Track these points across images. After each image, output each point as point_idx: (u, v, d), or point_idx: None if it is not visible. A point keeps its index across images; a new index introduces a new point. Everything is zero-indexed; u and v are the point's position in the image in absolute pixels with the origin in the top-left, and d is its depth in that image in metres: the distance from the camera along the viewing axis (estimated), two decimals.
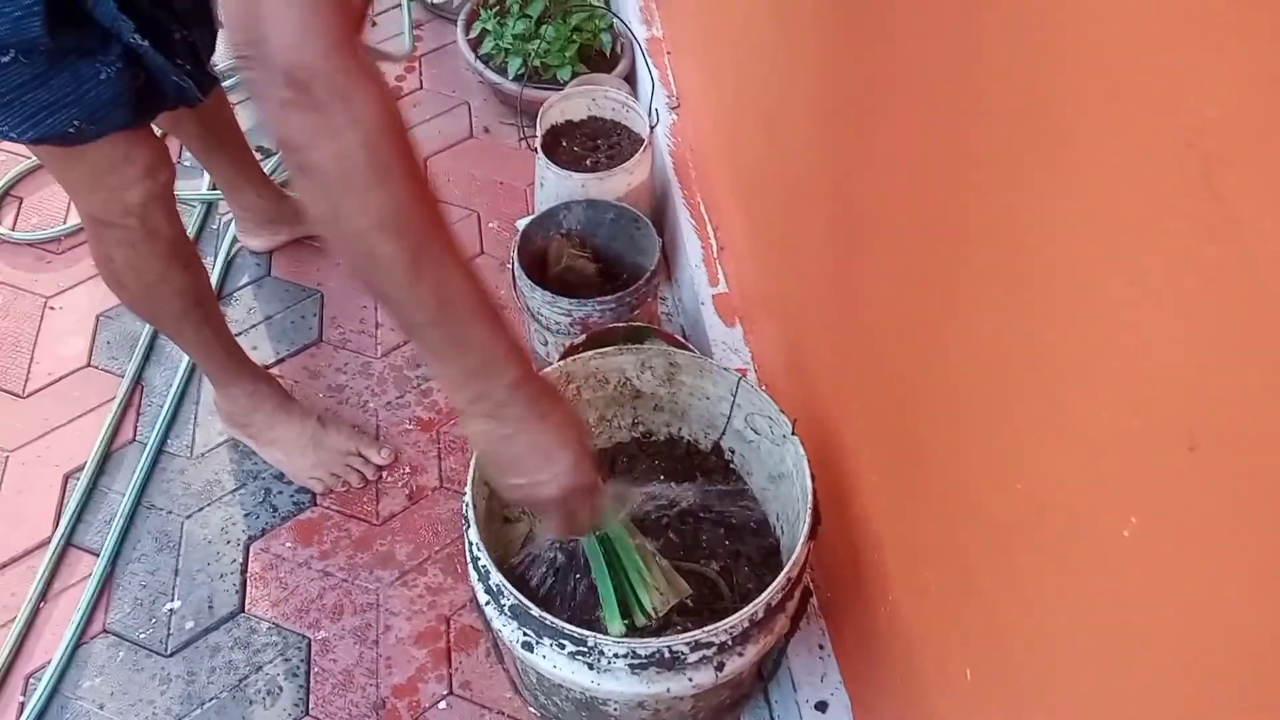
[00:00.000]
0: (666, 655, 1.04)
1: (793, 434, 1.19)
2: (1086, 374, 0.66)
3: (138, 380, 1.80)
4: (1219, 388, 0.53)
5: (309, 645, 1.50)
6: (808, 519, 1.11)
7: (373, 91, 0.74)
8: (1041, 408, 0.72)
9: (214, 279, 1.92)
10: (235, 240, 2.00)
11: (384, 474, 1.68)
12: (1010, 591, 0.82)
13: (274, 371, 1.80)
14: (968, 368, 0.85)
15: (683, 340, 1.56)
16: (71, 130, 1.14)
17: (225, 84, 2.10)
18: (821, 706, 1.27)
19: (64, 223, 2.05)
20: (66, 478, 1.68)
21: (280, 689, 1.45)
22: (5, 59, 1.06)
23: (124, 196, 1.27)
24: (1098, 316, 0.63)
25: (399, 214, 0.77)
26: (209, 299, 1.52)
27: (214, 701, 1.44)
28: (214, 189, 2.09)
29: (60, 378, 1.82)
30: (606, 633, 1.11)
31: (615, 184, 1.78)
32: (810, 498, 1.12)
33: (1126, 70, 0.57)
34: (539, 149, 1.83)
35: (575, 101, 1.95)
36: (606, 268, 1.75)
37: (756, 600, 1.05)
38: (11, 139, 1.14)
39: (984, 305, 0.80)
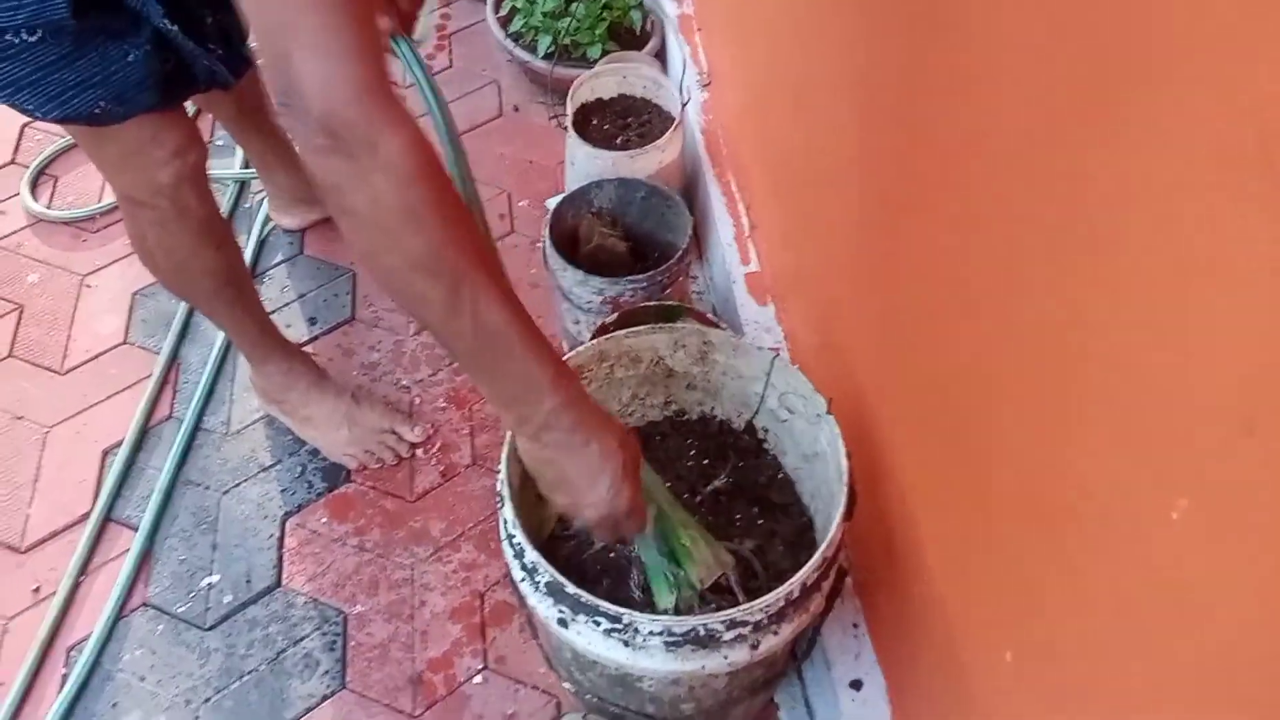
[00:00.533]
0: (702, 633, 1.04)
1: (828, 413, 1.18)
2: (1140, 354, 0.65)
3: (174, 357, 1.82)
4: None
5: (345, 619, 1.51)
6: (843, 499, 1.10)
7: (401, 139, 0.76)
8: (1091, 388, 0.72)
9: (247, 257, 1.94)
10: (268, 218, 2.01)
11: (418, 451, 1.69)
12: (1055, 573, 0.81)
13: (308, 349, 1.82)
14: (1011, 345, 0.84)
15: (714, 319, 1.56)
16: (98, 111, 1.15)
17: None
18: (856, 685, 1.27)
19: (99, 201, 2.07)
20: (105, 453, 1.70)
21: (317, 662, 1.47)
22: (33, 39, 1.07)
23: (154, 176, 1.27)
24: (1151, 294, 0.62)
25: (432, 256, 0.80)
26: (242, 278, 1.53)
27: (253, 674, 1.47)
28: (247, 167, 2.10)
29: (97, 355, 1.84)
30: (643, 608, 1.11)
31: (646, 162, 1.78)
32: (846, 477, 1.12)
33: (1182, 44, 0.56)
34: (569, 127, 1.83)
35: (605, 79, 1.94)
36: (637, 246, 1.75)
37: (792, 579, 1.05)
38: (38, 117, 1.15)
39: (1029, 283, 0.79)
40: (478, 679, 1.45)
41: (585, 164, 1.80)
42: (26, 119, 2.19)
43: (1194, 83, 0.55)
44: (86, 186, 2.11)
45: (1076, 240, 0.71)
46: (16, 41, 1.07)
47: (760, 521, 1.29)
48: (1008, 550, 0.90)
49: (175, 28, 1.15)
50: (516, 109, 2.24)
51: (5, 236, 2.03)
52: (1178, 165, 0.58)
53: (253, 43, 0.74)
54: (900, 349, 1.13)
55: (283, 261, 1.97)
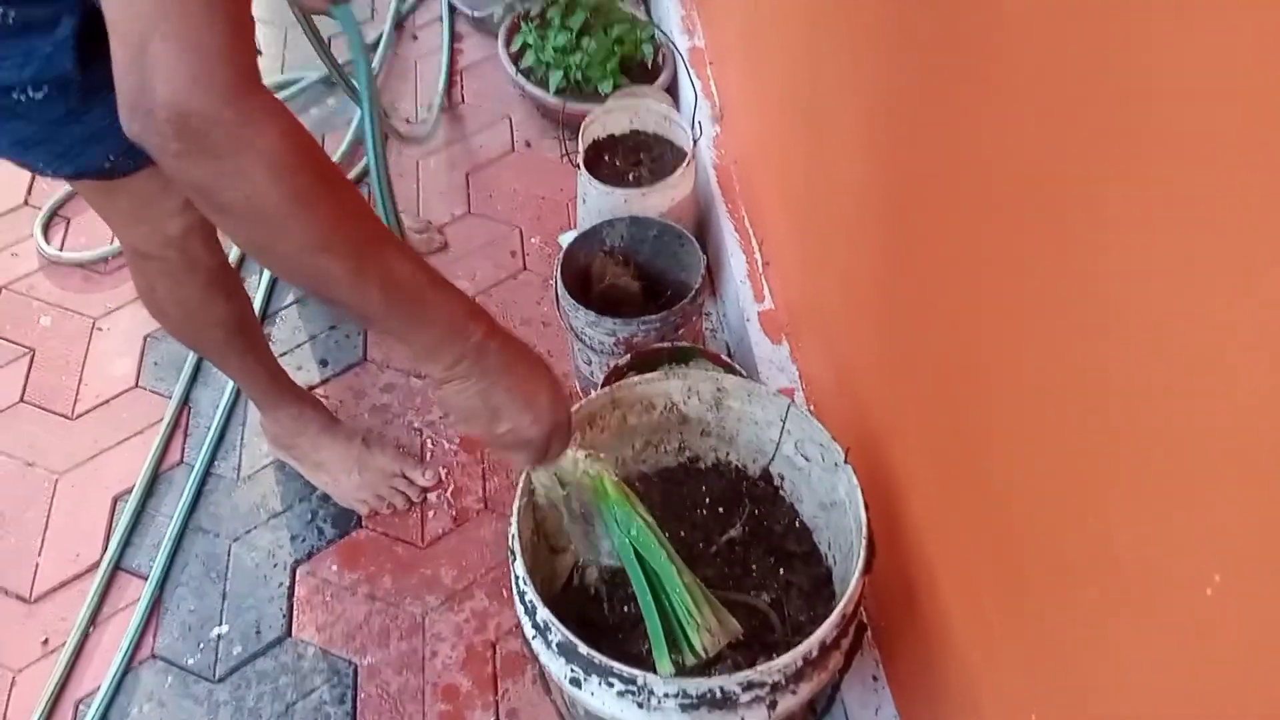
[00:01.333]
0: (718, 695, 1.01)
1: (845, 462, 1.15)
2: (1169, 408, 0.62)
3: (185, 401, 1.81)
4: None
5: (356, 671, 1.49)
6: (862, 552, 1.07)
7: (275, 129, 0.73)
8: (1122, 452, 0.69)
9: (258, 298, 1.93)
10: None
11: (429, 495, 1.67)
12: (1081, 636, 0.78)
13: (318, 391, 1.80)
14: (1034, 393, 0.81)
15: (729, 360, 1.53)
16: (108, 164, 1.14)
17: None
18: None
19: (111, 243, 2.06)
20: (115, 500, 1.69)
21: (328, 716, 1.45)
22: (39, 95, 1.05)
23: (163, 228, 1.26)
24: (1184, 343, 0.59)
25: (327, 235, 0.78)
26: (252, 327, 1.52)
27: None
28: None
29: (108, 399, 1.83)
30: (655, 669, 1.08)
31: (658, 200, 1.76)
32: (865, 530, 1.09)
33: (1220, 68, 0.53)
34: (581, 165, 1.81)
35: (617, 115, 1.93)
36: (650, 285, 1.73)
37: (810, 639, 1.02)
38: (49, 175, 1.14)
39: (1053, 329, 0.76)
40: None
41: (597, 201, 1.78)
42: None
43: (1230, 115, 0.53)
44: (99, 229, 2.11)
45: (1101, 285, 0.68)
46: (23, 99, 1.06)
47: (777, 572, 1.26)
48: (1033, 612, 0.87)
49: None
50: (529, 145, 2.24)
51: (18, 279, 2.03)
52: (1213, 205, 0.55)
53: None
54: (919, 392, 1.10)
55: (294, 303, 1.96)
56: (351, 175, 2.16)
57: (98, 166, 1.14)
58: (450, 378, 0.91)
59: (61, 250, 2.06)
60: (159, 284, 1.35)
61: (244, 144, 0.71)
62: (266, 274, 1.98)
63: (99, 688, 1.47)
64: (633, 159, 1.91)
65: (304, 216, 0.76)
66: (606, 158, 1.91)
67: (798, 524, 1.31)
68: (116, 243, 2.05)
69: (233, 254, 2.00)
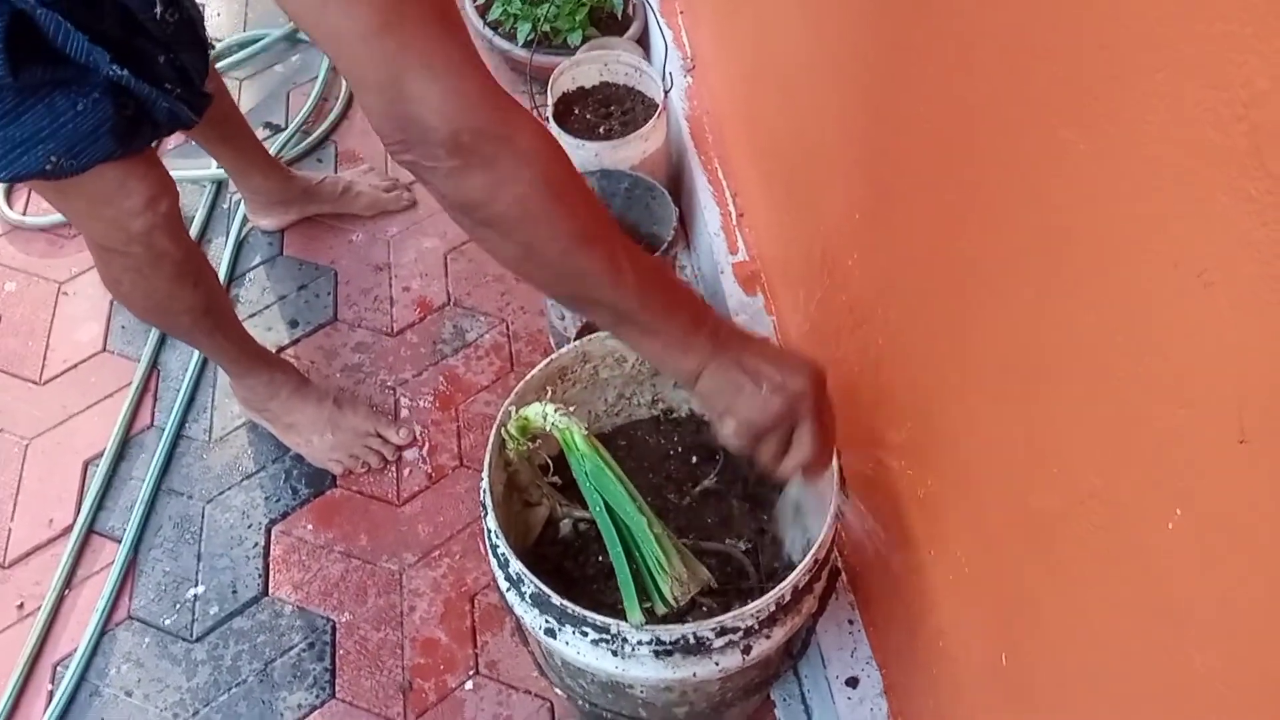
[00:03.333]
0: (692, 641, 1.02)
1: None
2: (1129, 360, 0.62)
3: (154, 365, 1.79)
4: (1273, 378, 0.50)
5: (334, 628, 1.49)
6: (834, 499, 1.08)
7: (529, 126, 0.76)
8: (1081, 393, 0.69)
9: (225, 260, 1.91)
10: (246, 220, 1.98)
11: (404, 453, 1.66)
12: (1048, 578, 0.79)
13: (289, 352, 1.79)
14: (1002, 346, 0.81)
15: None
16: (49, 166, 1.10)
17: (220, 65, 2.08)
18: (852, 682, 1.25)
19: None
20: (86, 464, 1.68)
21: (306, 672, 1.45)
22: None
23: (126, 226, 1.23)
24: (1141, 300, 0.59)
25: (585, 227, 0.80)
26: (220, 306, 1.50)
27: (241, 686, 1.44)
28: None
29: (76, 364, 1.81)
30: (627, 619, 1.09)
31: (630, 152, 1.74)
32: (836, 477, 1.09)
33: (1171, 38, 0.53)
34: (550, 118, 1.79)
35: (587, 67, 1.90)
36: None
37: (783, 583, 1.02)
38: None
39: (1019, 279, 0.76)
40: (469, 685, 1.43)
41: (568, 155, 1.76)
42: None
43: (1183, 81, 0.52)
44: None
45: (1064, 241, 0.68)
46: None
47: (751, 520, 1.27)
48: (1001, 555, 0.87)
49: (125, 72, 1.08)
50: None
51: None
52: (1167, 168, 0.55)
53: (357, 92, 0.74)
54: (892, 341, 1.10)
55: (262, 263, 1.93)
56: (317, 133, 2.12)
57: (38, 169, 1.10)
58: (705, 361, 0.89)
59: (24, 215, 2.02)
60: (124, 278, 1.32)
61: (509, 145, 0.74)
62: (234, 233, 1.95)
63: (76, 650, 1.47)
64: (603, 111, 1.89)
65: (565, 210, 0.78)
66: (576, 111, 1.89)
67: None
68: None
69: (200, 208, 1.98)
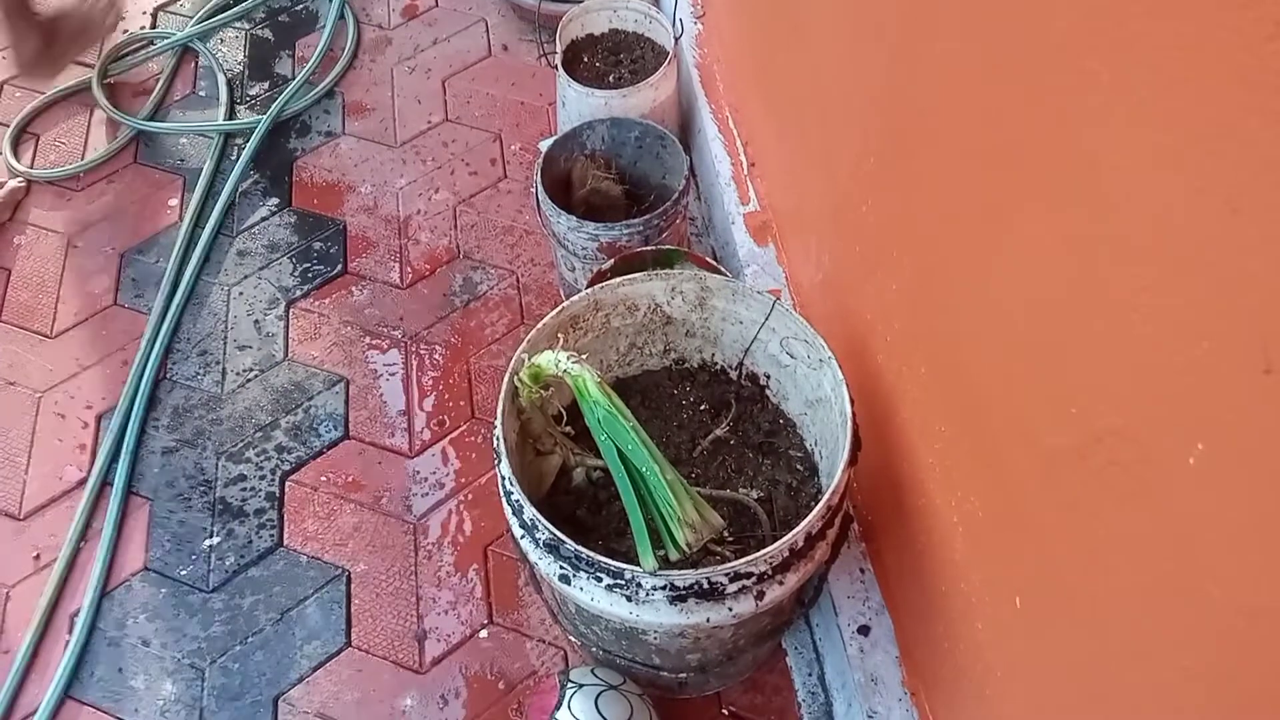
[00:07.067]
0: (705, 586, 1.02)
1: (831, 359, 1.15)
2: (1150, 293, 0.61)
3: (164, 317, 1.79)
4: None
5: (348, 578, 1.50)
6: (847, 445, 1.07)
7: None
8: (1100, 329, 0.68)
9: (218, 210, 1.91)
10: (247, 169, 1.96)
11: (417, 405, 1.66)
12: (1062, 519, 0.78)
13: (301, 305, 1.78)
14: (1018, 283, 0.80)
15: (714, 262, 1.51)
16: None
17: (229, 13, 2.05)
18: (864, 630, 1.26)
19: (82, 159, 2.02)
20: (99, 417, 1.68)
21: (322, 621, 1.46)
22: None
23: None
24: (1164, 229, 0.58)
25: None
26: None
27: (257, 635, 1.46)
28: (230, 118, 2.05)
29: (87, 317, 1.81)
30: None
31: (639, 100, 1.72)
32: (850, 423, 1.08)
33: None
34: (559, 66, 1.77)
35: (595, 14, 1.87)
36: (633, 189, 1.70)
37: (796, 529, 1.02)
38: None
39: (1037, 215, 0.75)
40: (483, 633, 1.44)
41: (576, 104, 1.74)
42: (4, 76, 2.14)
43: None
44: (69, 144, 2.06)
45: (1082, 170, 0.66)
46: None
47: (764, 469, 1.27)
48: (1015, 494, 0.87)
49: None
50: (505, 48, 2.18)
51: None
52: (1188, 91, 0.53)
53: None
54: (905, 287, 1.09)
55: (271, 215, 1.92)
56: (323, 84, 2.10)
57: None
58: None
59: (32, 168, 2.02)
60: None
61: None
62: (230, 185, 1.94)
63: (93, 600, 1.48)
64: (612, 59, 1.86)
65: None
66: (585, 59, 1.86)
67: (783, 422, 1.31)
68: (88, 158, 2.01)
69: (208, 160, 1.97)
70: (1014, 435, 0.85)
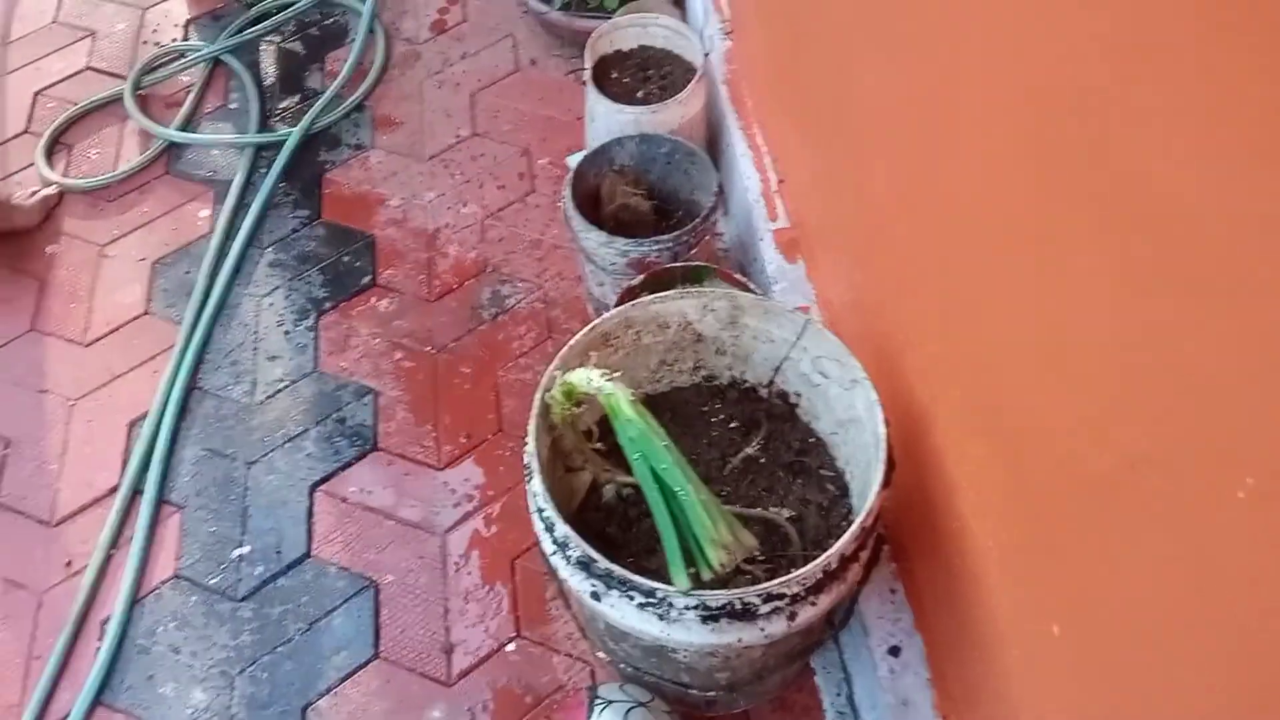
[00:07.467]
0: (738, 607, 1.02)
1: (865, 379, 1.15)
2: (1198, 313, 0.61)
3: (195, 326, 1.80)
4: None
5: (376, 589, 1.51)
6: (881, 466, 1.07)
7: None
8: (1145, 353, 0.68)
9: (249, 221, 1.92)
10: (277, 184, 1.98)
11: (444, 418, 1.67)
12: (1104, 549, 0.78)
13: (328, 317, 1.80)
14: (1060, 308, 0.80)
15: (743, 279, 1.52)
16: None
17: (258, 28, 2.07)
18: (895, 651, 1.25)
19: (114, 169, 2.04)
20: (131, 425, 1.70)
21: (350, 632, 1.47)
22: None
23: None
24: (1216, 244, 0.58)
25: None
26: None
27: (286, 645, 1.47)
28: (261, 131, 2.07)
29: (119, 326, 1.83)
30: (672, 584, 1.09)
31: (669, 116, 1.73)
32: (884, 445, 1.08)
33: None
34: (589, 81, 1.78)
35: (624, 30, 1.88)
36: (662, 205, 1.70)
37: (830, 551, 1.03)
38: None
39: (1084, 239, 0.75)
40: (510, 647, 1.45)
41: (606, 120, 1.75)
42: (38, 87, 2.17)
43: None
44: (102, 155, 2.08)
45: (1126, 192, 0.67)
46: None
47: (795, 488, 1.27)
48: (1052, 521, 0.87)
49: None
50: (533, 63, 2.19)
51: None
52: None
53: None
54: (940, 305, 1.09)
55: (302, 228, 1.94)
56: (353, 99, 2.12)
57: None
58: None
59: (65, 177, 2.04)
60: None
61: None
62: (260, 198, 1.96)
63: (123, 608, 1.49)
64: (641, 76, 1.87)
65: None
66: (614, 74, 1.87)
67: (814, 440, 1.31)
68: (120, 168, 2.03)
69: (239, 173, 1.98)
70: (1052, 461, 0.85)
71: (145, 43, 2.28)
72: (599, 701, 1.24)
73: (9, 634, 1.50)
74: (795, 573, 1.02)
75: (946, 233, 1.03)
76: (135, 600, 1.52)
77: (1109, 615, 0.79)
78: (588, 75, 1.81)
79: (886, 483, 1.08)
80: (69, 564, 1.56)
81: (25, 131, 2.14)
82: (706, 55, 1.79)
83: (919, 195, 1.09)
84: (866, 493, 1.10)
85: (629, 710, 1.23)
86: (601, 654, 1.32)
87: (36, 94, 2.20)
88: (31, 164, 2.06)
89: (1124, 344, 0.71)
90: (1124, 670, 0.78)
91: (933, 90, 1.02)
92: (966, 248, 0.98)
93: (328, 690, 1.43)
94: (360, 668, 1.44)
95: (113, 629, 1.48)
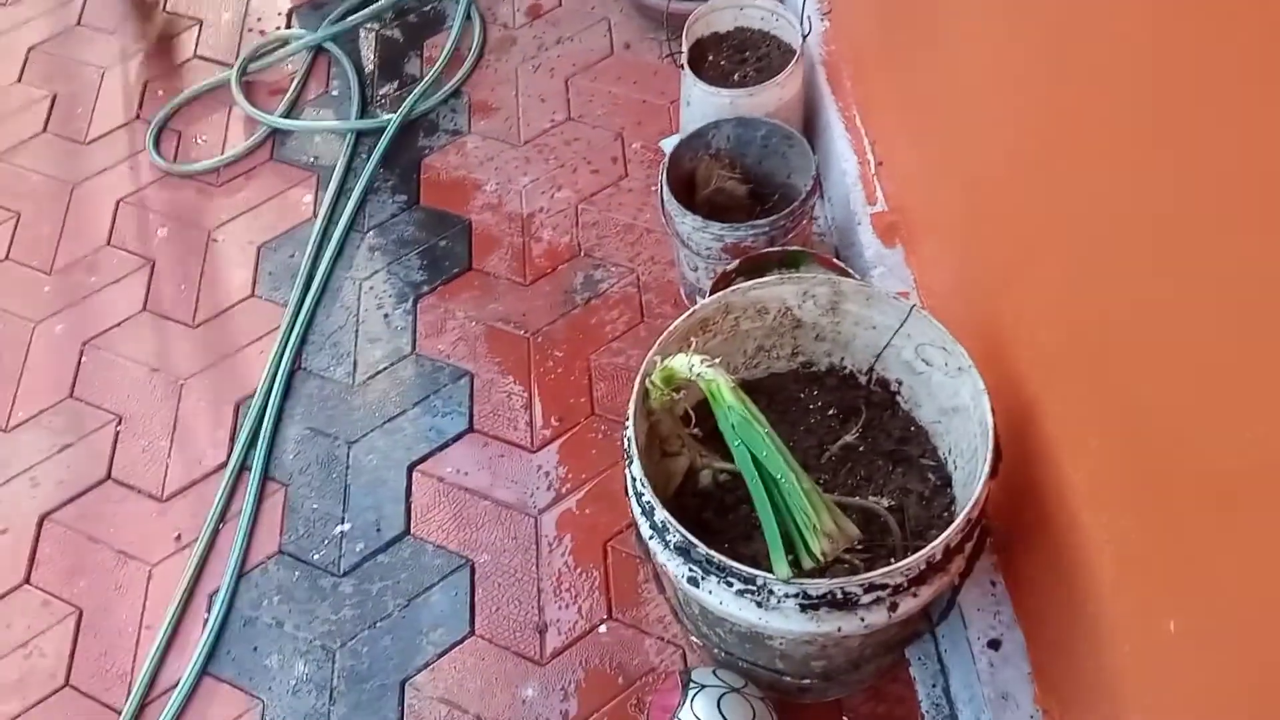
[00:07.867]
0: (839, 596, 1.01)
1: (971, 367, 1.12)
2: None
3: (299, 309, 1.85)
4: None
5: (472, 567, 1.53)
6: (988, 456, 1.05)
7: None
8: None
9: (350, 206, 1.96)
10: (377, 170, 2.01)
11: (540, 400, 1.69)
12: (1232, 546, 0.75)
13: (426, 300, 1.83)
14: (1197, 298, 0.77)
15: (840, 263, 1.50)
16: None
17: (358, 15, 2.10)
18: (994, 644, 1.23)
19: (222, 153, 2.10)
20: (238, 405, 1.75)
21: (446, 609, 1.50)
22: None
23: None
24: None
25: None
26: None
27: (385, 620, 1.50)
28: (361, 117, 2.10)
29: (226, 308, 1.88)
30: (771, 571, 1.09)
31: (766, 99, 1.71)
32: (991, 434, 1.06)
33: None
34: (685, 65, 1.77)
35: (721, 12, 1.86)
36: (757, 188, 1.69)
37: (934, 542, 1.01)
38: None
39: (1230, 228, 0.72)
40: (603, 629, 1.46)
41: (701, 103, 1.74)
42: (146, 76, 2.24)
43: None
44: (210, 140, 2.14)
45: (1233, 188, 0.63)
46: None
47: (894, 477, 1.25)
48: (1176, 517, 0.84)
49: None
50: (628, 46, 2.19)
51: (133, 193, 2.09)
52: None
53: None
54: (1057, 294, 1.05)
55: (401, 212, 1.97)
56: (450, 84, 2.14)
57: None
58: None
59: (174, 162, 2.11)
60: None
61: None
62: (361, 184, 2.00)
63: (230, 581, 1.54)
64: (738, 58, 1.85)
65: None
66: (710, 57, 1.86)
67: (915, 429, 1.28)
68: (228, 153, 2.09)
69: (340, 159, 2.02)
70: (1180, 456, 0.81)
71: (250, 30, 2.34)
72: (693, 686, 1.24)
73: (122, 605, 1.57)
74: (898, 563, 1.00)
75: (1072, 216, 0.99)
76: (241, 574, 1.57)
77: (1234, 613, 0.76)
78: (684, 59, 1.79)
79: (994, 473, 1.06)
80: (178, 538, 1.62)
81: (136, 118, 2.21)
82: (805, 36, 1.76)
83: (1043, 175, 1.06)
84: (971, 483, 1.08)
85: (722, 696, 1.23)
86: (695, 638, 1.32)
87: (146, 82, 2.28)
88: (142, 150, 2.14)
89: (1266, 335, 0.68)
90: (1246, 669, 0.75)
91: (1062, 61, 0.98)
92: (1093, 233, 0.95)
93: (425, 665, 1.46)
94: (456, 644, 1.47)
95: (220, 601, 1.53)
